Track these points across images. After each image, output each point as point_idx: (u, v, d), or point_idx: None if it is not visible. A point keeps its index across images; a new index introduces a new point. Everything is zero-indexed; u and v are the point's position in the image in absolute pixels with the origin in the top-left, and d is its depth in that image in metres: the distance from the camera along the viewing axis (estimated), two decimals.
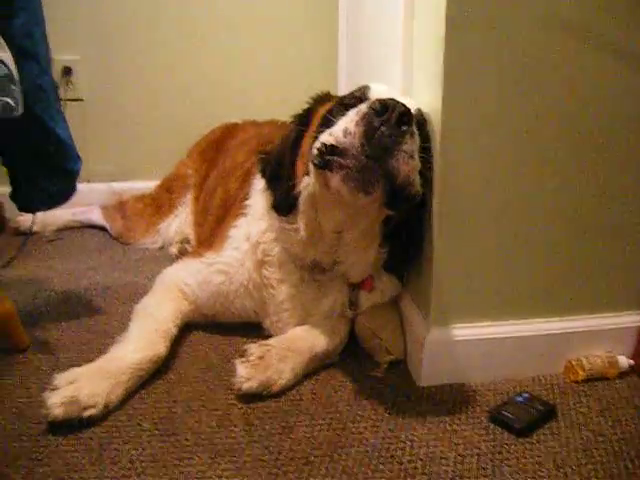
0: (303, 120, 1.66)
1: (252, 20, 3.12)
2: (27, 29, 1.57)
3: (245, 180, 2.01)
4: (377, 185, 1.35)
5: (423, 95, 1.59)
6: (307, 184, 1.53)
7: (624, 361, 1.67)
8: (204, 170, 2.65)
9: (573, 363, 1.66)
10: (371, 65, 2.26)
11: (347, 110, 1.41)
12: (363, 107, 1.36)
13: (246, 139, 2.56)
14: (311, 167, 1.46)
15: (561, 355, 1.68)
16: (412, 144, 1.36)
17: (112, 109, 3.11)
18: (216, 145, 2.72)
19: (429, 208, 1.58)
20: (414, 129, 1.38)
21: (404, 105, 1.34)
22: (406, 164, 1.34)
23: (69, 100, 3.01)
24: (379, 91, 1.55)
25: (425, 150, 1.46)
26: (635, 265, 1.68)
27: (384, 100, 1.34)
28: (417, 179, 1.42)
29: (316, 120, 1.58)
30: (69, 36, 2.95)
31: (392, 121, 1.31)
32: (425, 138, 1.50)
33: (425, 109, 1.55)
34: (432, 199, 1.56)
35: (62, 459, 1.31)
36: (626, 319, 1.71)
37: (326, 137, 1.39)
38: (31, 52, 1.59)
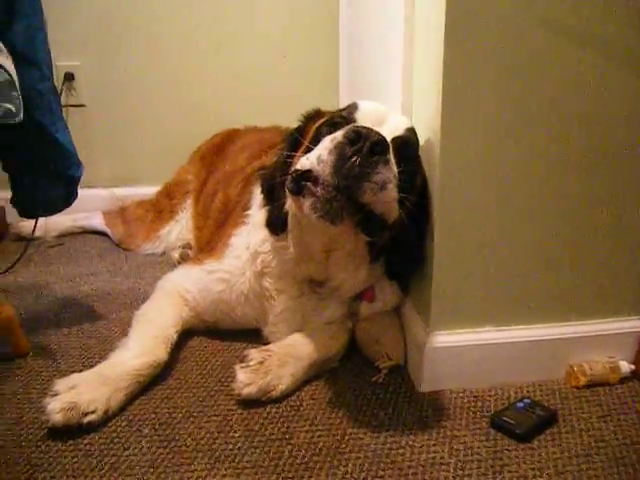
0: (295, 138, 1.65)
1: (255, 29, 3.12)
2: (28, 35, 1.57)
3: (246, 186, 2.01)
4: (344, 216, 1.34)
5: (422, 108, 1.59)
6: (290, 205, 1.53)
7: (625, 366, 1.66)
8: (204, 175, 2.65)
9: (574, 369, 1.65)
10: (371, 78, 2.26)
11: (335, 129, 1.42)
12: (338, 135, 1.34)
13: (247, 144, 2.56)
14: (287, 191, 1.46)
15: (562, 360, 1.67)
16: (385, 173, 1.34)
17: (114, 115, 3.12)
18: (217, 150, 2.72)
19: (428, 217, 1.59)
20: (389, 157, 1.36)
21: (378, 134, 1.33)
22: (375, 195, 1.33)
23: (71, 106, 3.03)
24: (367, 109, 1.55)
25: (409, 173, 1.46)
26: (636, 270, 1.68)
27: (358, 129, 1.33)
28: (392, 207, 1.41)
29: (307, 138, 1.58)
30: (71, 42, 2.95)
31: (364, 151, 1.30)
32: (411, 159, 1.52)
33: (424, 121, 1.56)
34: (432, 207, 1.57)
35: (62, 465, 1.31)
36: (627, 324, 1.70)
37: (302, 162, 1.39)
38: (32, 58, 1.59)
